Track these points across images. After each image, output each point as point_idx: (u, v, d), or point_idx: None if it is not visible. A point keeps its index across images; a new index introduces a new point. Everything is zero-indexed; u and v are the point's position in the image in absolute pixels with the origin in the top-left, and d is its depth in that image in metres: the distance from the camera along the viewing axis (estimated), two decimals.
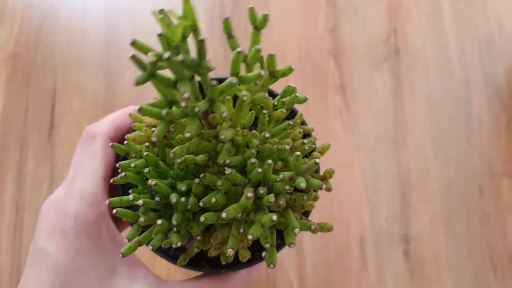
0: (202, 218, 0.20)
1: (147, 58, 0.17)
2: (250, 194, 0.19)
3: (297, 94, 0.22)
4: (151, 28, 0.54)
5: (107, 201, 0.22)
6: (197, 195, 0.22)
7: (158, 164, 0.22)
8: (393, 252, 0.47)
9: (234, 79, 0.18)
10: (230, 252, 0.20)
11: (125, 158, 0.27)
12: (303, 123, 0.27)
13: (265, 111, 0.22)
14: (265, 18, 0.21)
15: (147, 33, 0.53)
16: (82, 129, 0.51)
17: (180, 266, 0.24)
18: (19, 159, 0.49)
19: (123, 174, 0.22)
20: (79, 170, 0.26)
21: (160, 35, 0.18)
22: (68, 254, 0.23)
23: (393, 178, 0.49)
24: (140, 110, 0.18)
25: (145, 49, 0.19)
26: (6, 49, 0.54)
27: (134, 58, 0.17)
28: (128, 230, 0.34)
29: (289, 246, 0.20)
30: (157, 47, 0.18)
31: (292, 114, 0.27)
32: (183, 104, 0.18)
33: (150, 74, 0.17)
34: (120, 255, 0.21)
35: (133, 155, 0.24)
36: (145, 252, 0.34)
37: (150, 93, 0.51)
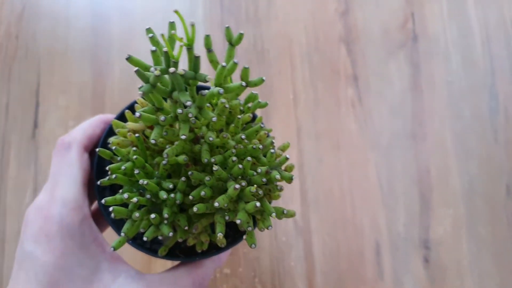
0: (195, 209, 0.23)
1: (153, 72, 0.21)
2: (237, 186, 0.23)
3: (259, 100, 0.26)
4: (140, 14, 0.49)
5: (103, 201, 0.24)
6: (183, 191, 0.25)
7: (145, 166, 0.25)
8: (412, 259, 0.43)
9: (221, 90, 0.22)
10: (220, 235, 0.23)
11: (103, 163, 0.30)
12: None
13: (239, 116, 0.26)
14: (240, 36, 0.25)
15: (136, 19, 0.49)
16: (69, 127, 0.47)
17: (159, 257, 0.28)
18: None
19: (113, 176, 0.24)
20: (59, 178, 0.28)
21: (153, 52, 0.22)
22: (54, 255, 0.25)
23: (411, 178, 0.45)
24: (141, 117, 0.23)
25: (140, 64, 0.22)
26: None
27: (138, 72, 0.21)
28: (108, 231, 0.31)
29: (267, 228, 0.24)
30: (147, 46, 0.21)
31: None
32: (179, 111, 0.22)
33: (153, 85, 0.22)
34: (111, 248, 0.24)
35: (118, 159, 0.26)
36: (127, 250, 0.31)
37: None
